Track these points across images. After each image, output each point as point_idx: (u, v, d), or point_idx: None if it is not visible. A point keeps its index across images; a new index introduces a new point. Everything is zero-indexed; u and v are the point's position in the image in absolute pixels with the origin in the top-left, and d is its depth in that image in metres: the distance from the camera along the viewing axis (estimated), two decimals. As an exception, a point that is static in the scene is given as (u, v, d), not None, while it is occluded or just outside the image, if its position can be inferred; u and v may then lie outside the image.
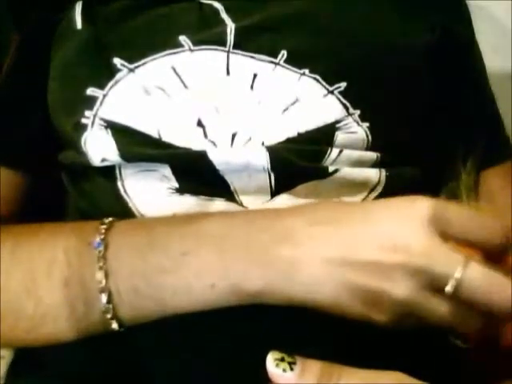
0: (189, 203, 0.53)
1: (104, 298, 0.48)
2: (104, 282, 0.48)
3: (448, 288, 0.42)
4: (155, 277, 0.48)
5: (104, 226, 0.50)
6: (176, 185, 0.53)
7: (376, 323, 0.44)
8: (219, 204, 0.53)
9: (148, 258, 0.48)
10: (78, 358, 0.53)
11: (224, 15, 0.57)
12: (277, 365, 0.43)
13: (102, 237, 0.49)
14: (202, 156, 0.52)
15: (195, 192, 0.53)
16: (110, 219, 0.51)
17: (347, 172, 0.54)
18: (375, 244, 0.44)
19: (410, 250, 0.42)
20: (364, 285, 0.44)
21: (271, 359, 0.43)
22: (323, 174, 0.54)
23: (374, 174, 0.55)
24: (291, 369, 0.43)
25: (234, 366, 0.49)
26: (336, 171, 0.54)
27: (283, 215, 0.48)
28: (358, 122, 0.56)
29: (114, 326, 0.49)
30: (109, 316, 0.48)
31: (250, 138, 0.54)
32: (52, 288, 0.50)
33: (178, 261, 0.47)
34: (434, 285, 0.42)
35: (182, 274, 0.47)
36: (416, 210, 0.43)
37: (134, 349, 0.51)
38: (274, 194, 0.53)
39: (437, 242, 0.42)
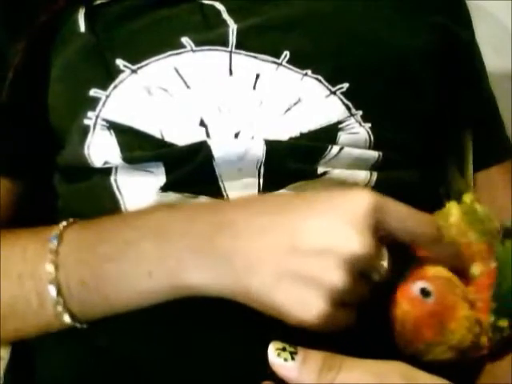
0: (172, 201, 0.53)
1: (53, 290, 0.50)
2: (54, 273, 0.50)
3: (376, 276, 0.46)
4: (99, 266, 0.49)
5: (64, 224, 0.52)
6: (163, 182, 0.54)
7: (308, 318, 0.44)
8: (203, 201, 0.54)
9: (94, 248, 0.50)
10: (74, 357, 0.53)
11: (226, 16, 0.57)
12: (278, 354, 0.44)
13: (58, 232, 0.51)
14: (201, 145, 0.53)
15: (180, 190, 0.53)
16: (77, 219, 0.53)
17: (337, 174, 0.55)
18: (313, 234, 0.45)
19: (344, 241, 0.44)
20: (299, 271, 0.44)
21: (273, 349, 0.44)
22: (312, 175, 0.54)
23: (363, 177, 0.56)
24: (292, 358, 0.43)
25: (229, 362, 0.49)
26: (325, 173, 0.54)
27: (225, 207, 0.49)
28: (360, 123, 0.56)
29: (67, 319, 0.50)
30: (60, 309, 0.50)
31: (253, 138, 0.54)
32: (8, 284, 0.52)
33: (121, 249, 0.49)
34: (361, 271, 0.45)
35: (123, 261, 0.49)
36: (354, 202, 0.45)
37: (128, 344, 0.52)
38: (261, 193, 0.54)
39: (368, 236, 0.44)
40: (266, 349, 0.44)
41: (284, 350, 0.44)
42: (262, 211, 0.47)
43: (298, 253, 0.44)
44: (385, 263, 0.45)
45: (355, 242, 0.43)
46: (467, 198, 0.52)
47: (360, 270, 0.44)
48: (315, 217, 0.45)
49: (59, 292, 0.50)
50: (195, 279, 0.47)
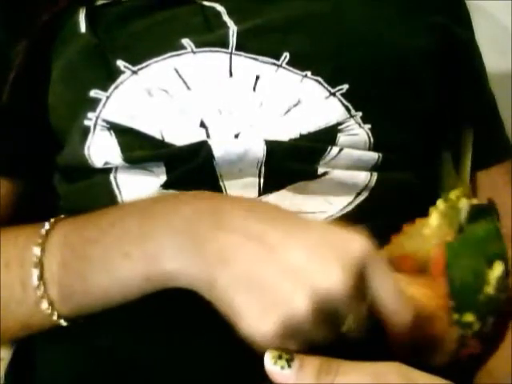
0: None
1: (36, 272, 0.50)
2: (39, 256, 0.50)
3: (344, 328, 0.44)
4: (82, 248, 0.50)
5: (63, 216, 0.53)
6: (163, 181, 0.54)
7: (256, 333, 0.43)
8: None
9: (81, 231, 0.50)
10: (74, 357, 0.53)
11: (226, 18, 0.57)
12: (275, 362, 0.43)
13: (53, 220, 0.52)
14: (202, 144, 0.53)
15: (180, 189, 0.53)
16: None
17: (337, 175, 0.55)
18: (294, 252, 0.43)
19: (322, 271, 0.42)
20: (267, 282, 0.43)
21: (269, 357, 0.43)
22: (312, 175, 0.54)
23: (363, 178, 0.55)
24: (289, 366, 0.43)
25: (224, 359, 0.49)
26: (325, 173, 0.54)
27: (216, 198, 0.49)
28: (359, 124, 0.56)
29: (45, 305, 0.50)
30: (39, 294, 0.50)
31: (253, 138, 0.54)
32: None
33: (105, 230, 0.49)
34: (329, 314, 0.43)
35: (104, 242, 0.49)
36: (349, 243, 0.44)
37: (128, 344, 0.51)
38: (261, 193, 0.54)
39: (350, 278, 0.42)
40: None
41: (280, 357, 0.43)
42: (252, 215, 0.46)
43: (273, 264, 0.43)
44: (356, 318, 0.43)
45: (334, 276, 0.42)
46: (453, 194, 0.51)
47: (328, 310, 0.42)
48: (304, 238, 0.44)
49: (41, 277, 0.50)
50: (169, 265, 0.46)
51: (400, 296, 0.44)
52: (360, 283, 0.43)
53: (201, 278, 0.45)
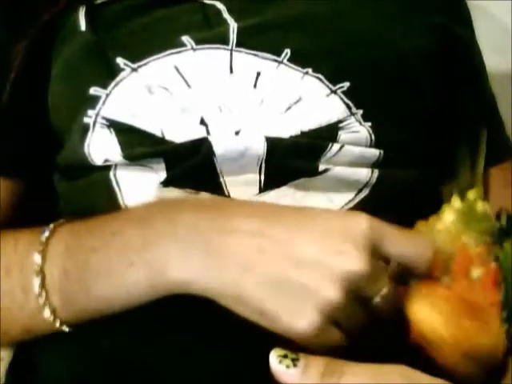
0: (173, 196, 0.53)
1: (37, 281, 0.50)
2: (40, 264, 0.50)
3: (377, 299, 0.45)
4: (83, 256, 0.50)
5: (62, 220, 0.53)
6: (163, 177, 0.53)
7: (297, 328, 0.44)
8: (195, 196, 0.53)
9: (82, 240, 0.50)
10: (75, 358, 0.53)
11: (227, 15, 0.57)
12: (280, 361, 0.43)
13: (52, 226, 0.52)
14: (202, 141, 0.53)
15: (180, 186, 0.53)
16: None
17: (338, 171, 0.54)
18: (308, 245, 0.45)
19: (341, 256, 0.44)
20: (293, 279, 0.44)
21: (274, 356, 0.43)
22: (313, 172, 0.54)
23: (364, 175, 0.55)
24: (294, 365, 0.43)
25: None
26: (326, 170, 0.54)
27: (224, 207, 0.49)
28: (360, 122, 0.56)
29: (47, 313, 0.50)
30: (41, 301, 0.50)
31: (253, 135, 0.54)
32: None
33: (107, 240, 0.49)
34: (358, 293, 0.45)
35: (107, 251, 0.49)
36: (352, 223, 0.45)
37: (129, 346, 0.51)
38: (262, 190, 0.53)
39: (366, 255, 0.44)
40: (267, 354, 0.44)
41: (285, 356, 0.43)
42: (255, 214, 0.47)
43: (292, 260, 0.44)
44: (385, 289, 0.45)
45: (353, 258, 0.44)
46: (471, 194, 0.51)
47: (356, 290, 0.44)
48: (312, 230, 0.45)
49: (43, 284, 0.50)
50: (177, 274, 0.46)
51: (414, 236, 0.47)
52: (377, 254, 0.44)
53: (222, 287, 0.45)
